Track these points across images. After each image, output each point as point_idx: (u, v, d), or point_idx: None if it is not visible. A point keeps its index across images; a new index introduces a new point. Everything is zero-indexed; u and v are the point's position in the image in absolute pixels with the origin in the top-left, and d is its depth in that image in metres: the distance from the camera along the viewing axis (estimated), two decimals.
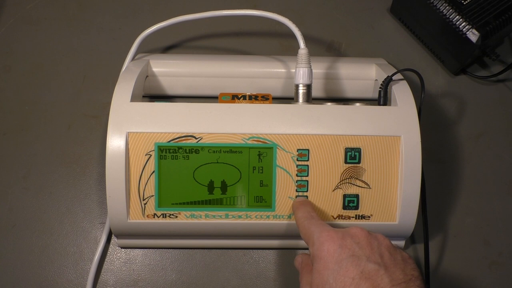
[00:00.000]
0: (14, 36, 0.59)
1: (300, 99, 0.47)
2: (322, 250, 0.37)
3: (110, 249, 0.50)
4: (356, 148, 0.45)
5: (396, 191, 0.45)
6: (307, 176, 0.45)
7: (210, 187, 0.45)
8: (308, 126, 0.45)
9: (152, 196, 0.44)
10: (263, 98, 0.49)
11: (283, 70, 0.54)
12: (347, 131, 0.45)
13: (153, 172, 0.44)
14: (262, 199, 0.45)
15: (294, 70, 0.48)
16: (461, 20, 0.53)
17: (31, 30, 0.59)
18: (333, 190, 0.45)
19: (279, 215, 0.45)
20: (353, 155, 0.45)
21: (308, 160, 0.44)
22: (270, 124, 0.44)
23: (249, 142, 0.44)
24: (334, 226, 0.46)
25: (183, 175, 0.44)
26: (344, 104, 0.47)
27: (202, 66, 0.53)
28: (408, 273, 0.36)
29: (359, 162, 0.45)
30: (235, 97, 0.49)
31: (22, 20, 0.60)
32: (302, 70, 0.47)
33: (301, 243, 0.49)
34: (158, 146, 0.44)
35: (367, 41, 0.60)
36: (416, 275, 0.36)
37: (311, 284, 0.37)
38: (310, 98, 0.47)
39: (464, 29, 0.53)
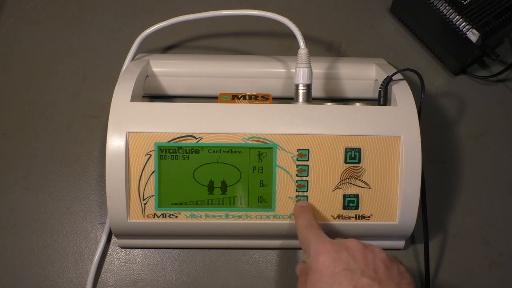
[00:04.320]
0: (14, 36, 0.59)
1: (300, 99, 0.47)
2: (317, 262, 0.37)
3: (110, 249, 0.50)
4: (356, 148, 0.45)
5: (396, 191, 0.45)
6: (307, 176, 0.45)
7: (210, 187, 0.45)
8: (308, 126, 0.45)
9: (152, 196, 0.44)
10: (263, 98, 0.49)
11: (283, 70, 0.54)
12: (347, 131, 0.45)
13: (153, 172, 0.44)
14: (262, 199, 0.45)
15: (294, 70, 0.48)
16: (461, 20, 0.53)
17: (31, 30, 0.59)
18: (333, 190, 0.45)
19: (279, 215, 0.45)
20: (353, 155, 0.45)
21: (308, 160, 0.44)
22: (270, 124, 0.44)
23: (249, 142, 0.44)
24: (334, 226, 0.46)
25: (183, 175, 0.44)
26: (344, 104, 0.47)
27: (202, 66, 0.53)
28: (402, 287, 0.35)
29: (359, 162, 0.45)
30: (235, 97, 0.49)
31: (22, 20, 0.60)
32: (302, 70, 0.47)
33: None
34: (158, 146, 0.44)
35: (367, 41, 0.60)
36: None
37: None
38: (310, 98, 0.47)
39: (464, 29, 0.53)
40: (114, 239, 0.50)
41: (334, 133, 0.44)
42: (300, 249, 0.50)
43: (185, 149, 0.44)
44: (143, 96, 0.54)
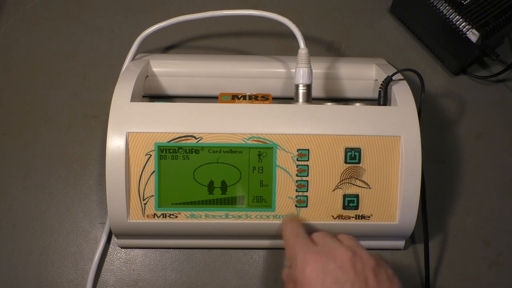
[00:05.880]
0: (14, 36, 0.59)
1: (300, 99, 0.47)
2: (304, 274, 0.36)
3: (110, 249, 0.50)
4: (356, 148, 0.45)
5: (396, 191, 0.45)
6: (307, 176, 0.45)
7: (210, 187, 0.45)
8: (308, 126, 0.45)
9: (152, 196, 0.44)
10: (263, 98, 0.49)
11: (283, 70, 0.54)
12: (347, 131, 0.45)
13: (153, 172, 0.44)
14: (262, 199, 0.45)
15: (294, 70, 0.48)
16: (461, 20, 0.53)
17: (31, 30, 0.59)
18: (333, 190, 0.45)
19: (279, 215, 0.45)
20: (353, 155, 0.45)
21: (308, 160, 0.44)
22: (270, 124, 0.44)
23: (249, 142, 0.44)
24: (334, 226, 0.46)
25: (183, 175, 0.44)
26: (344, 104, 0.47)
27: (202, 66, 0.53)
28: None
29: (359, 162, 0.45)
30: (235, 97, 0.49)
31: (22, 20, 0.60)
32: (302, 70, 0.47)
33: None
34: (158, 146, 0.44)
35: (367, 41, 0.60)
36: None
37: None
38: (310, 98, 0.47)
39: (464, 29, 0.53)
40: (114, 239, 0.50)
41: (334, 133, 0.44)
42: None
43: (185, 149, 0.44)
44: (143, 96, 0.54)
